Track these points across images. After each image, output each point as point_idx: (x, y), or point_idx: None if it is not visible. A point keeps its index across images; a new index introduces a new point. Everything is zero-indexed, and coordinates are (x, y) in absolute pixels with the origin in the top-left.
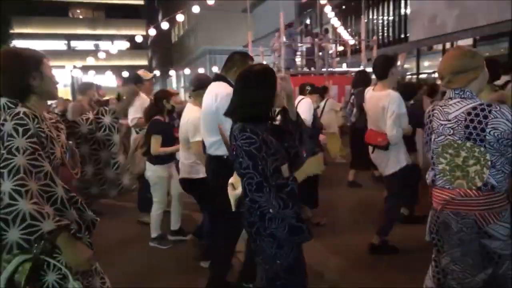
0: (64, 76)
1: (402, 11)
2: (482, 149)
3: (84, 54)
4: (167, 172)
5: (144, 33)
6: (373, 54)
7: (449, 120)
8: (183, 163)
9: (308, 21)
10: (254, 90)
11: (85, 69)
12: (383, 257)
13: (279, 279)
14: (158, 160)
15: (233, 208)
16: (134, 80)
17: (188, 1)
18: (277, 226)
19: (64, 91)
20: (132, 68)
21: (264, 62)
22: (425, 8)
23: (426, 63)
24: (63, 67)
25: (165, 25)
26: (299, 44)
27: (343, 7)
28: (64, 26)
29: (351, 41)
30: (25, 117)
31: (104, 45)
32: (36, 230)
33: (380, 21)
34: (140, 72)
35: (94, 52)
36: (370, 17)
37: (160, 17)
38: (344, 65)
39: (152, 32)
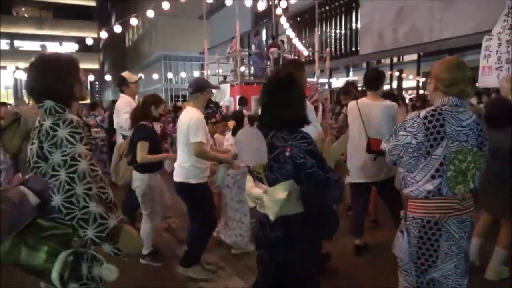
0: (6, 78)
1: (353, 25)
2: (481, 153)
3: (29, 54)
4: (158, 181)
5: (95, 35)
6: (326, 65)
7: (464, 127)
8: (180, 166)
9: (264, 31)
10: (287, 95)
11: None
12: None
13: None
14: (147, 168)
15: (276, 215)
16: (118, 82)
17: (143, 5)
18: (332, 218)
19: (4, 94)
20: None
21: (221, 70)
22: (374, 24)
23: None
24: (4, 67)
25: (118, 28)
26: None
27: (298, 19)
28: (6, 24)
29: (305, 52)
30: (78, 125)
31: (51, 46)
32: (106, 228)
33: (333, 34)
34: (125, 74)
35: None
36: (323, 30)
37: (113, 20)
38: None
39: (104, 35)
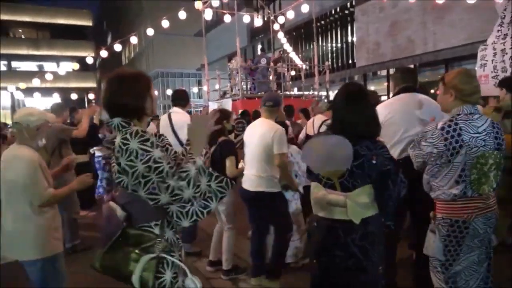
0: (4, 98)
1: (349, 39)
2: (501, 154)
3: (26, 75)
4: (236, 193)
5: (93, 54)
6: (326, 79)
7: (480, 133)
8: (259, 176)
9: (259, 46)
10: (369, 109)
11: (29, 91)
12: None
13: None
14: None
15: (360, 218)
16: (182, 96)
17: (139, 23)
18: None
19: (3, 114)
20: (80, 91)
21: (216, 86)
22: (369, 37)
23: (372, 88)
24: (5, 88)
25: (118, 47)
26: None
27: (294, 33)
28: (4, 46)
29: (304, 66)
30: (145, 133)
31: (48, 66)
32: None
33: (329, 48)
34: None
35: (39, 74)
36: (320, 43)
37: (109, 38)
38: (295, 89)
39: (104, 53)
